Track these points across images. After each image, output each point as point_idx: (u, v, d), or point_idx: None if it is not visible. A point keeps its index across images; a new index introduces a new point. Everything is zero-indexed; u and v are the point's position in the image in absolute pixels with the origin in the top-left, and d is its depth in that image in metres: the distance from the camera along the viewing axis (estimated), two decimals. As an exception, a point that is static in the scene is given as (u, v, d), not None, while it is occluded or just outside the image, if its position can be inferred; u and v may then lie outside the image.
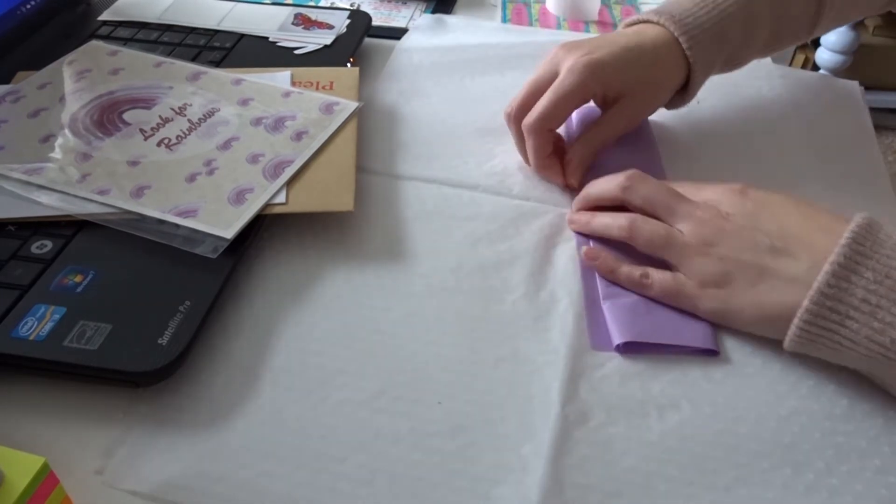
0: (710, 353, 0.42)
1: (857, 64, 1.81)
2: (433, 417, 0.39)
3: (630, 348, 0.42)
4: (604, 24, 0.74)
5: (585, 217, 0.48)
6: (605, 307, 0.44)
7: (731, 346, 0.43)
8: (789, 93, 0.64)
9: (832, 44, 1.76)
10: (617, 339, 0.42)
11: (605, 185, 0.47)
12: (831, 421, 0.39)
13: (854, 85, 0.65)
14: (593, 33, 0.72)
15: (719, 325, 0.43)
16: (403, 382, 0.40)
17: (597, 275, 0.46)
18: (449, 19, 0.71)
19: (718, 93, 0.62)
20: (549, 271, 0.47)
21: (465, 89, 0.63)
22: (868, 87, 1.91)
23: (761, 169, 0.56)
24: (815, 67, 1.83)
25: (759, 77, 0.65)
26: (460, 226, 0.49)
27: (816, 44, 1.82)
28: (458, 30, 0.69)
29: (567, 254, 0.48)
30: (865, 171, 0.56)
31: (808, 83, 0.66)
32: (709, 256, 0.42)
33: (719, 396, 0.40)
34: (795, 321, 0.38)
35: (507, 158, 0.55)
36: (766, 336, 0.42)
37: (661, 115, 0.59)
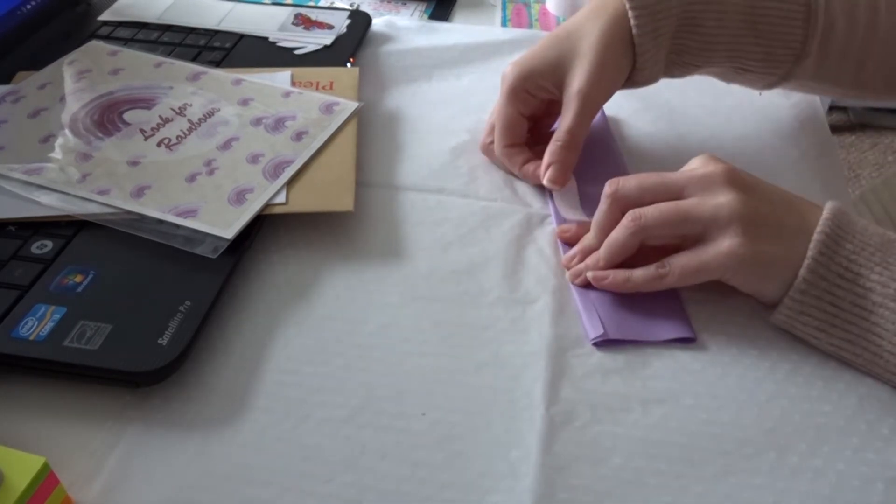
0: (688, 341, 0.42)
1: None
2: (418, 429, 0.38)
3: (607, 342, 0.42)
4: (604, 24, 0.74)
5: (592, 260, 0.45)
6: (579, 300, 0.44)
7: (707, 336, 0.43)
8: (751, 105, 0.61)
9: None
10: (592, 335, 0.42)
11: (597, 215, 0.45)
12: (809, 402, 0.40)
13: (815, 100, 0.62)
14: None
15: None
16: (385, 396, 0.40)
17: None
18: (401, 22, 0.70)
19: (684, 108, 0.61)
20: (521, 272, 0.47)
21: (424, 92, 0.62)
22: (868, 88, 1.90)
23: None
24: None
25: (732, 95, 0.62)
26: (429, 231, 0.49)
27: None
28: (412, 33, 0.69)
29: (539, 253, 0.48)
30: (828, 178, 0.55)
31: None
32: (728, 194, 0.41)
33: (700, 387, 0.40)
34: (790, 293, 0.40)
35: (472, 159, 0.55)
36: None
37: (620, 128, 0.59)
